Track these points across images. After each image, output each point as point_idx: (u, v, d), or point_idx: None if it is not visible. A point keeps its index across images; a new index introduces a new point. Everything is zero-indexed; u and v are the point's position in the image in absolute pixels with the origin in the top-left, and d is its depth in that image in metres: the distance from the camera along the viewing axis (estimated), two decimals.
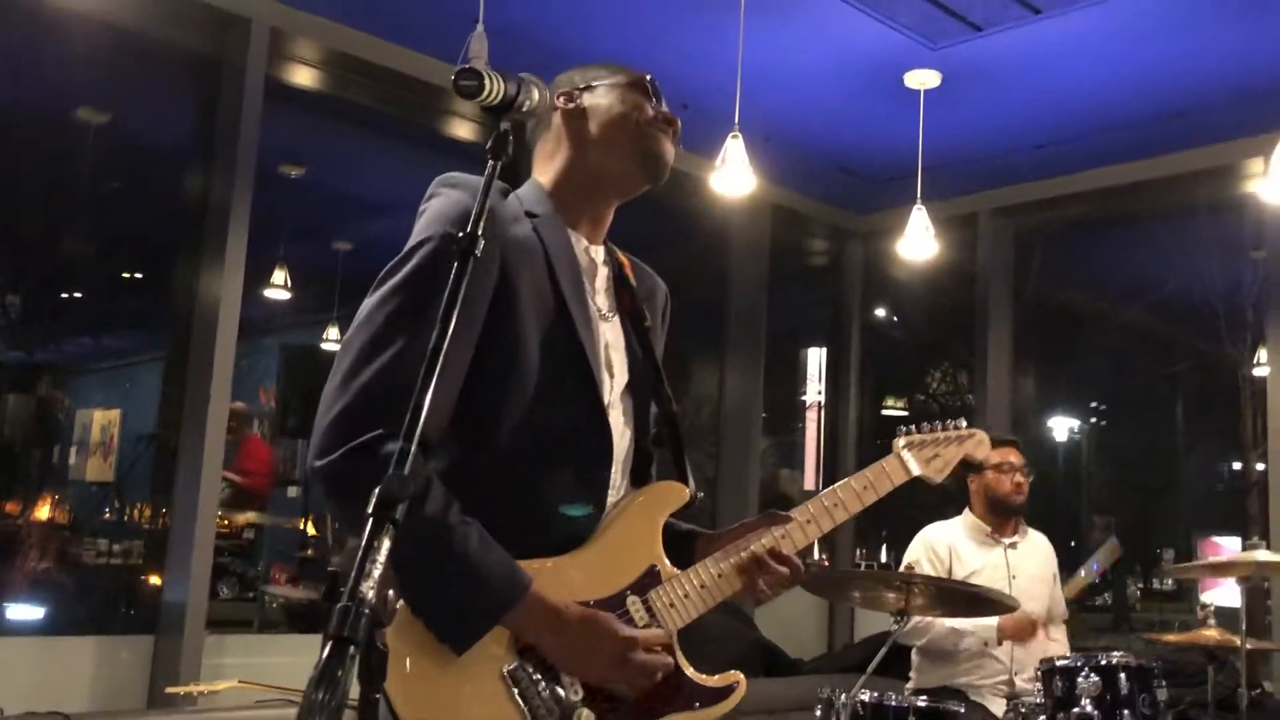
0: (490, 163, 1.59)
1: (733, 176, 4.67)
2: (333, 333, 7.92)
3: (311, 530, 7.75)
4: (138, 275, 7.45)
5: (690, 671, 1.85)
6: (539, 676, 1.72)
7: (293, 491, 7.83)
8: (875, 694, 3.50)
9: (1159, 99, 5.38)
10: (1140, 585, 9.51)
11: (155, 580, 4.68)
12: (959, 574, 4.33)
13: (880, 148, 6.03)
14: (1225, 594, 4.20)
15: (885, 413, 8.22)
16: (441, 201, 1.83)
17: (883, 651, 3.53)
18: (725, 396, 6.86)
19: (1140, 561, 9.16)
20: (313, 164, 6.61)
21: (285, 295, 7.63)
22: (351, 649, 1.17)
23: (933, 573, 4.30)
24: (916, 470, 2.15)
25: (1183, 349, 8.34)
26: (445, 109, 5.50)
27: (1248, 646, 3.80)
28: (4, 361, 6.76)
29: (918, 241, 5.43)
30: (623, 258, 2.06)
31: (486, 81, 1.59)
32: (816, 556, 7.41)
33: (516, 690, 1.71)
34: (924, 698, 3.67)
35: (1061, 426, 8.93)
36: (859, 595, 4.04)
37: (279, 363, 6.25)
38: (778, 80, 5.25)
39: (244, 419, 7.12)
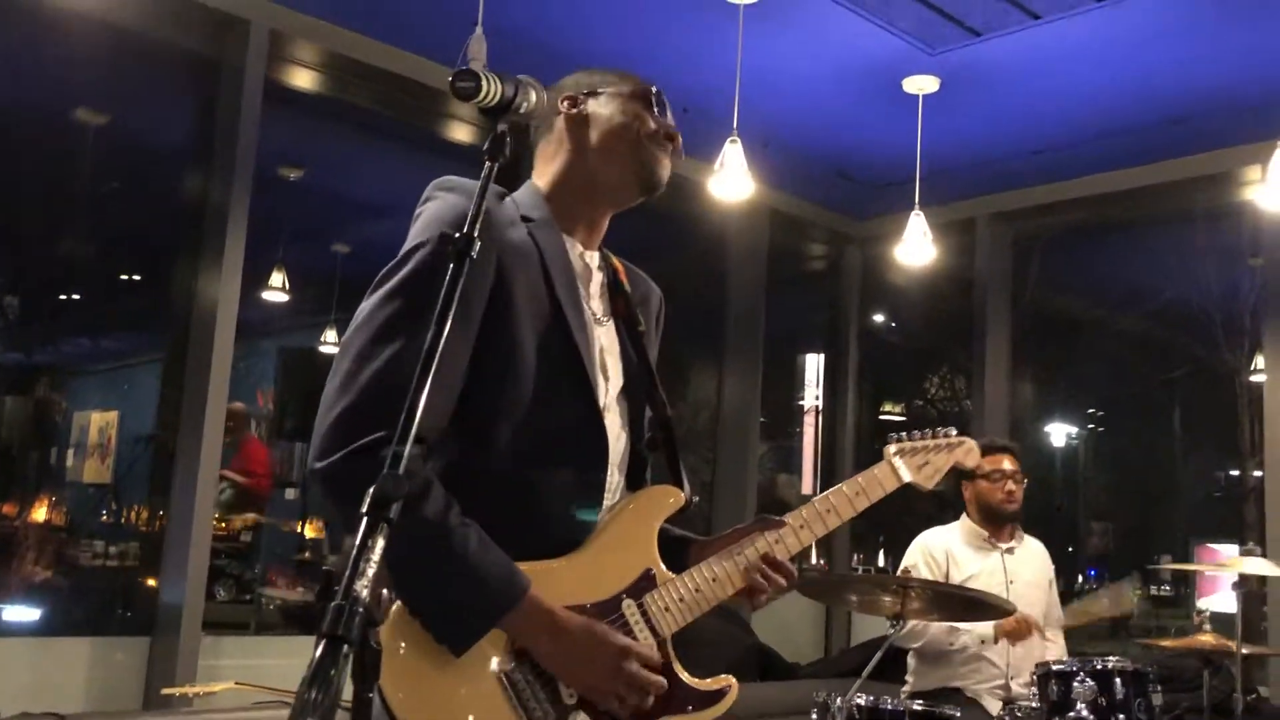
0: (487, 164, 1.59)
1: (731, 181, 4.68)
2: (331, 335, 7.91)
3: (310, 533, 7.74)
4: (136, 277, 7.43)
5: (683, 675, 1.86)
6: (535, 680, 1.73)
7: (290, 494, 7.83)
8: (871, 698, 3.51)
9: (1157, 105, 5.39)
10: (1138, 592, 9.51)
11: (152, 582, 4.67)
12: (956, 579, 4.33)
13: (879, 153, 6.04)
14: (1222, 600, 4.20)
15: (883, 418, 8.22)
16: (438, 205, 1.83)
17: (879, 655, 3.53)
18: (723, 401, 6.86)
19: (1138, 568, 9.15)
20: (311, 166, 6.61)
21: (283, 297, 7.63)
22: (345, 648, 1.17)
23: (929, 577, 4.30)
24: (907, 477, 2.17)
25: (1180, 355, 8.34)
26: (444, 112, 5.50)
27: (1243, 651, 3.81)
28: (2, 363, 6.75)
29: (916, 247, 5.44)
30: (617, 263, 2.07)
31: (484, 83, 1.60)
32: (815, 561, 7.41)
33: (512, 693, 1.72)
34: (920, 701, 3.68)
35: (1059, 432, 8.93)
36: (855, 599, 4.05)
37: (277, 365, 6.26)
38: (776, 85, 5.26)
39: (244, 419, 7.12)
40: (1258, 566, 3.89)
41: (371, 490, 1.26)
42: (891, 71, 5.19)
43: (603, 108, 1.98)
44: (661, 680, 1.80)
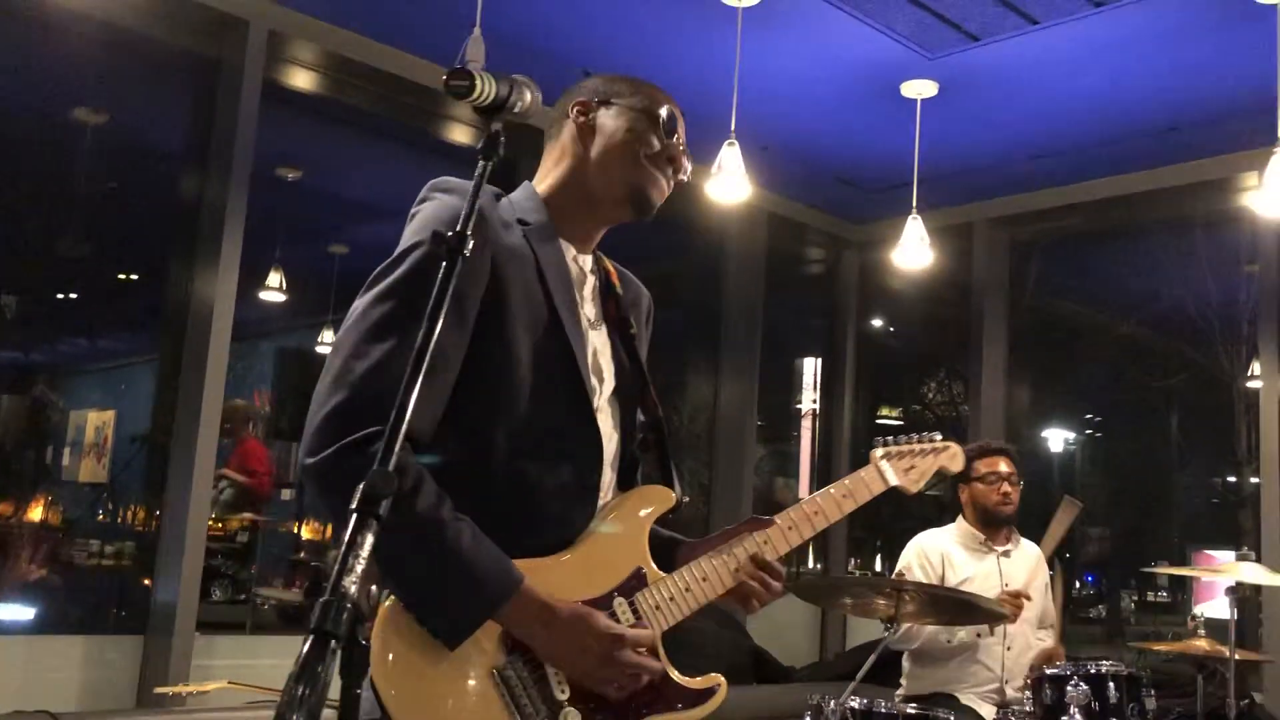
0: (481, 163, 1.60)
1: (728, 183, 4.68)
2: (328, 336, 7.91)
3: (306, 533, 7.75)
4: (133, 276, 7.44)
5: (673, 674, 1.86)
6: (527, 676, 1.74)
7: (286, 494, 7.83)
8: (864, 700, 3.51)
9: (1154, 111, 5.40)
10: (1135, 598, 9.52)
11: (147, 582, 4.67)
12: (951, 581, 4.33)
13: (877, 157, 6.04)
14: (1218, 606, 4.19)
15: (880, 421, 8.23)
16: (434, 206, 1.84)
17: (873, 657, 3.53)
18: (720, 404, 6.86)
19: (1134, 574, 9.17)
20: (309, 167, 6.61)
21: (280, 298, 7.62)
22: (333, 643, 1.17)
23: (924, 580, 4.29)
24: (894, 480, 2.19)
25: (1177, 361, 8.35)
26: (442, 113, 5.51)
27: (1236, 657, 3.81)
28: None
29: (913, 251, 5.44)
30: (609, 265, 2.08)
31: (477, 82, 1.60)
32: (811, 566, 7.42)
33: (504, 688, 1.72)
34: (913, 704, 3.68)
35: (1056, 438, 8.94)
36: (850, 602, 4.04)
37: (274, 365, 6.26)
38: (775, 88, 5.27)
39: (243, 418, 7.12)
40: (1252, 572, 3.90)
41: (360, 487, 1.26)
42: (890, 76, 5.20)
43: (611, 120, 1.98)
44: (657, 664, 1.81)
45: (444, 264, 1.47)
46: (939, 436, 2.27)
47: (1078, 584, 9.24)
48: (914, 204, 5.48)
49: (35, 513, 6.40)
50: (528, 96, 1.67)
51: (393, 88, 5.19)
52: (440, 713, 1.69)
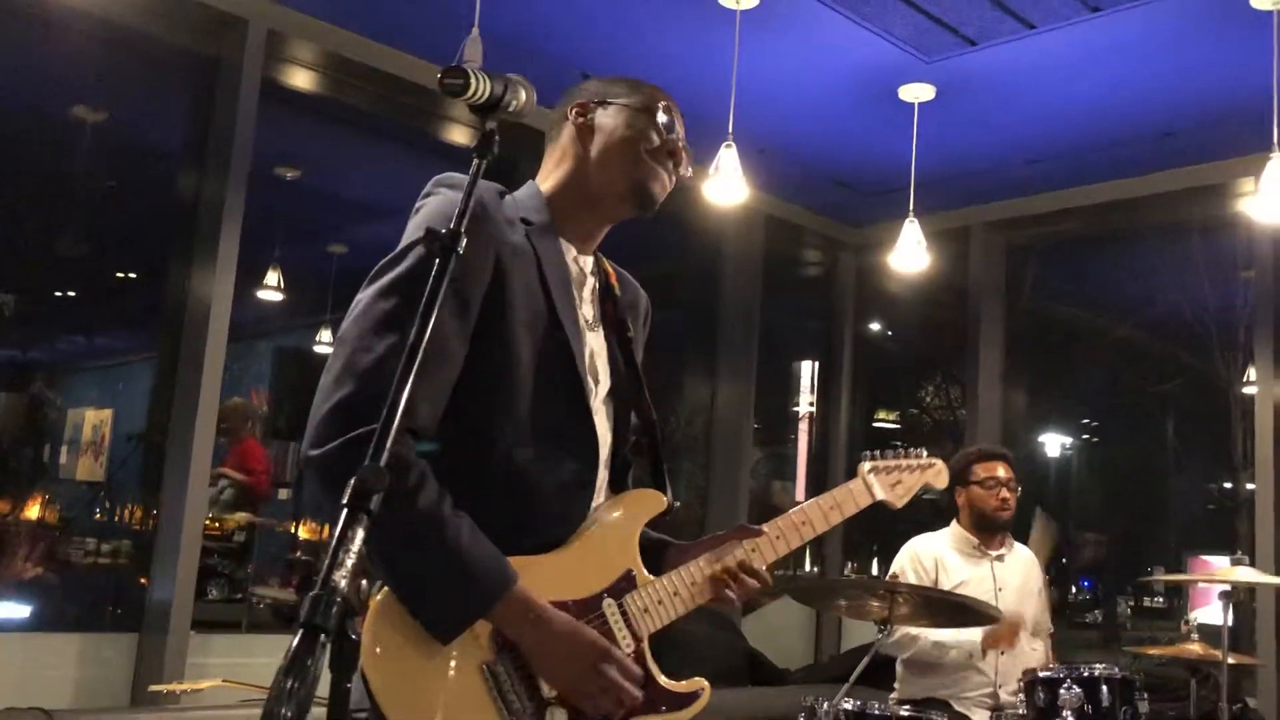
0: (475, 161, 1.61)
1: (726, 185, 4.69)
2: (326, 335, 7.92)
3: (303, 533, 7.74)
4: (131, 275, 7.44)
5: (659, 677, 1.89)
6: (515, 673, 1.75)
7: (283, 494, 7.83)
8: (858, 703, 3.51)
9: (1151, 116, 5.41)
10: (1130, 603, 9.52)
11: (143, 580, 4.67)
12: (945, 585, 4.33)
13: (874, 160, 6.05)
14: (1214, 612, 4.19)
15: (877, 425, 8.24)
16: (438, 200, 1.85)
17: (866, 660, 3.54)
18: (717, 406, 6.86)
19: (1130, 580, 9.16)
20: (308, 166, 6.62)
21: (278, 297, 7.62)
22: (322, 637, 1.17)
23: (917, 584, 4.30)
24: (879, 494, 2.24)
25: (1174, 367, 8.36)
26: (441, 113, 5.51)
27: (1229, 661, 3.81)
28: None
29: (910, 254, 5.44)
30: (608, 267, 2.09)
31: (472, 81, 1.60)
32: (808, 569, 7.42)
33: (493, 684, 1.74)
34: (907, 707, 3.68)
35: (1053, 442, 8.95)
36: (844, 603, 4.05)
37: (271, 365, 6.27)
38: (772, 91, 5.28)
39: (243, 417, 7.11)
40: (1246, 575, 3.90)
41: (352, 482, 1.27)
42: (887, 79, 5.21)
43: (609, 119, 2.00)
44: (636, 694, 1.82)
45: (437, 261, 1.48)
46: (924, 452, 2.32)
47: (1074, 589, 9.24)
48: (911, 207, 5.49)
49: (32, 511, 6.40)
50: (522, 95, 1.68)
51: (391, 88, 5.19)
52: (428, 704, 1.70)
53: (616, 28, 4.87)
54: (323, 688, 1.24)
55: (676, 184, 2.06)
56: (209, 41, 4.78)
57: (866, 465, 2.26)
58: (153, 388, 4.90)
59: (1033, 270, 7.30)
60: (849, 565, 7.76)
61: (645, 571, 1.92)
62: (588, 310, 2.00)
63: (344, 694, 1.28)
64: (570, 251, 1.99)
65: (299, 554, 7.48)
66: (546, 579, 1.79)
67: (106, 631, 4.65)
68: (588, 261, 2.04)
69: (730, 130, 4.66)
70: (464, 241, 1.50)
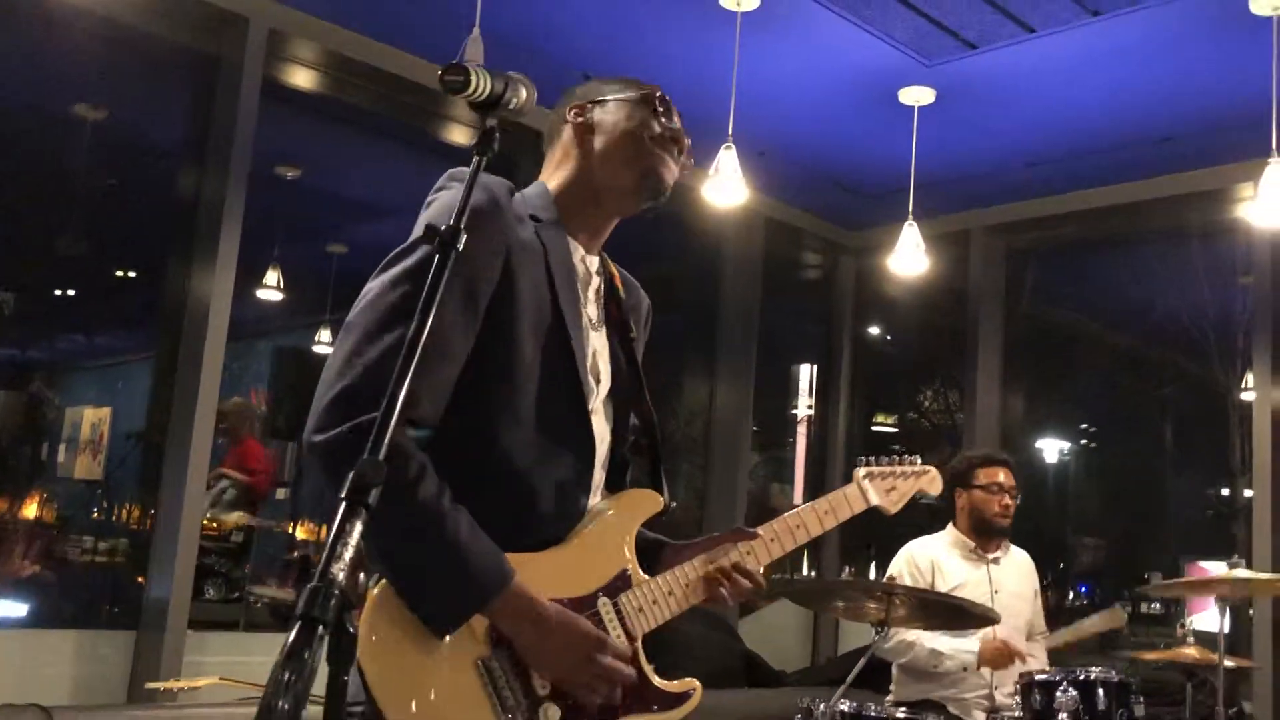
0: (476, 158, 1.61)
1: (726, 187, 4.70)
2: (325, 335, 7.91)
3: (300, 534, 7.74)
4: (131, 273, 7.44)
5: (652, 676, 1.90)
6: (510, 669, 1.76)
7: (281, 493, 7.82)
8: (854, 704, 3.52)
9: (1151, 121, 5.41)
10: (1128, 610, 9.49)
11: (140, 579, 4.67)
12: (941, 588, 4.33)
13: (874, 163, 6.06)
14: (1211, 619, 4.19)
15: (875, 429, 8.23)
16: (450, 195, 1.86)
17: (862, 661, 3.54)
18: (716, 408, 6.86)
19: (1128, 585, 9.15)
20: (308, 166, 6.62)
21: (278, 296, 7.62)
22: (320, 629, 1.17)
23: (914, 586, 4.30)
24: (874, 500, 2.28)
25: (1172, 372, 8.35)
26: (442, 113, 5.51)
27: (1226, 664, 3.81)
28: None
29: (909, 257, 5.44)
30: (613, 269, 2.11)
31: (472, 78, 1.61)
32: (805, 573, 7.42)
33: (488, 679, 1.74)
34: (903, 709, 3.68)
35: (1051, 447, 8.94)
36: (842, 605, 4.05)
37: (270, 364, 6.27)
38: (773, 93, 5.28)
39: (244, 417, 7.11)
40: (1248, 576, 3.89)
41: (350, 475, 1.27)
42: (888, 82, 5.22)
43: (608, 115, 2.02)
44: (631, 672, 1.84)
45: (437, 257, 1.49)
46: (919, 460, 2.36)
47: (1071, 594, 9.23)
48: (911, 210, 5.49)
49: (30, 509, 6.41)
50: (523, 93, 1.68)
51: (392, 87, 5.19)
52: (423, 697, 1.70)
53: (617, 28, 4.88)
54: (320, 687, 1.24)
55: (682, 171, 2.07)
56: (210, 40, 4.78)
57: (862, 471, 2.30)
58: (152, 387, 4.90)
59: (1032, 274, 7.30)
60: (846, 569, 7.75)
61: (640, 571, 1.93)
62: (592, 310, 2.01)
63: (341, 687, 1.29)
64: (578, 251, 2.01)
65: (296, 554, 7.48)
66: (543, 576, 1.80)
67: (104, 629, 4.65)
68: (593, 261, 2.05)
69: (730, 132, 4.67)
70: (464, 238, 1.50)
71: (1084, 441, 9.43)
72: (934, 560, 4.44)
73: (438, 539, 1.69)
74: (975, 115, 5.51)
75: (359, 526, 1.25)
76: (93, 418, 7.84)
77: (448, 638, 1.71)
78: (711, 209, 5.12)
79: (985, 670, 4.25)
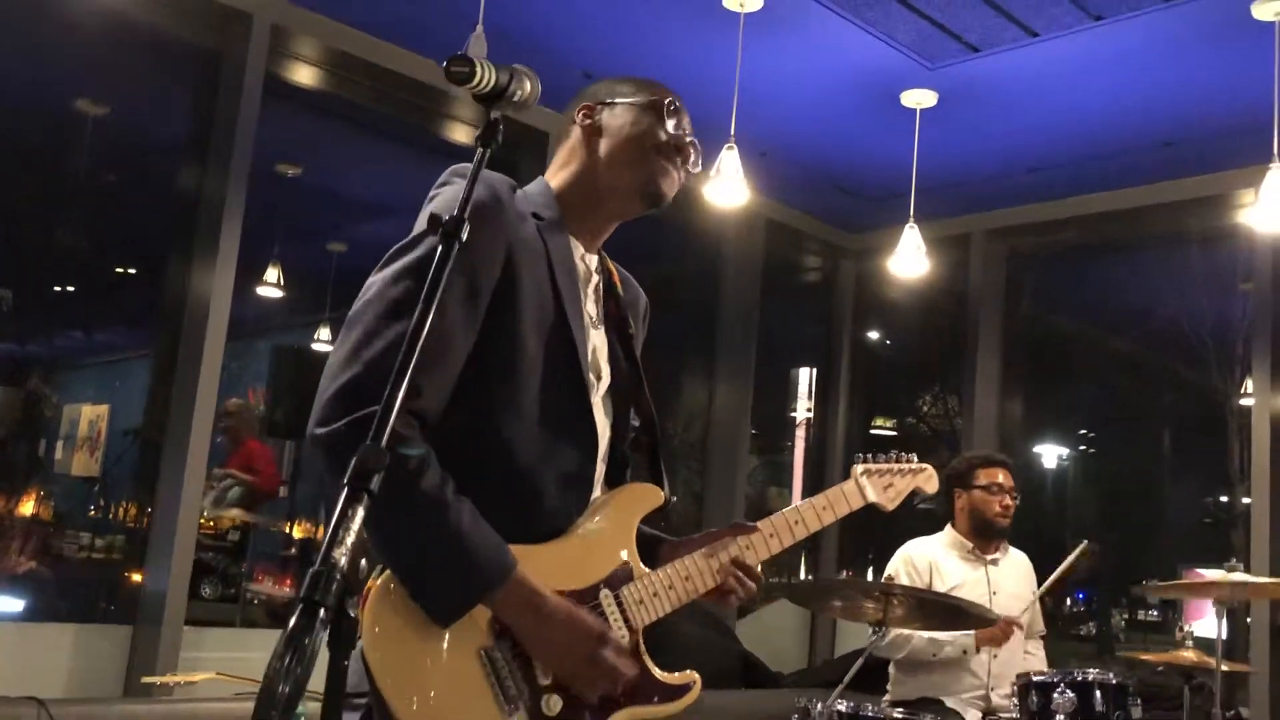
0: (479, 151, 1.62)
1: (727, 187, 4.70)
2: (324, 334, 7.89)
3: (298, 533, 7.73)
4: (131, 270, 7.43)
5: (652, 668, 1.91)
6: (513, 659, 1.77)
7: (281, 491, 7.80)
8: (851, 704, 3.51)
9: (1152, 126, 5.42)
10: (1125, 616, 9.50)
11: (136, 577, 4.67)
12: (939, 589, 4.33)
13: (875, 166, 6.06)
14: (1209, 626, 4.19)
15: (874, 432, 8.22)
16: (453, 190, 1.87)
17: (860, 661, 3.54)
18: (715, 410, 6.86)
19: (1125, 592, 9.14)
20: (309, 164, 6.62)
21: (278, 294, 7.61)
22: (322, 613, 1.18)
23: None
24: (872, 497, 2.27)
25: (1171, 379, 8.35)
26: (443, 111, 5.51)
27: (1223, 668, 3.81)
28: None
29: (909, 259, 5.44)
30: (612, 266, 2.12)
31: (478, 69, 1.61)
32: (803, 577, 7.41)
33: (490, 669, 1.75)
34: (900, 709, 3.68)
35: (1049, 452, 8.93)
36: (840, 604, 4.05)
37: (269, 363, 6.25)
38: (775, 94, 5.29)
39: (245, 418, 7.10)
40: (1241, 580, 3.89)
41: (353, 461, 1.27)
42: (890, 85, 5.22)
43: (615, 119, 2.02)
44: (632, 665, 1.85)
45: (440, 247, 1.49)
46: (915, 457, 2.36)
47: (1068, 601, 9.22)
48: (911, 213, 5.50)
49: (27, 506, 6.40)
50: (527, 86, 1.68)
51: (395, 85, 5.20)
52: (425, 686, 1.71)
53: (620, 28, 4.88)
54: (317, 685, 1.24)
55: (687, 179, 2.08)
56: (213, 36, 4.79)
57: (859, 468, 2.30)
58: (150, 384, 4.89)
59: (1032, 279, 7.30)
60: (844, 573, 7.76)
61: (641, 564, 1.94)
62: (591, 307, 2.02)
63: (342, 672, 1.29)
64: (578, 249, 2.02)
65: (293, 551, 7.47)
66: (544, 568, 1.81)
67: (100, 623, 4.65)
68: (593, 259, 2.06)
69: (732, 132, 4.67)
70: (467, 229, 1.51)
71: (1082, 447, 9.43)
72: (932, 561, 4.44)
73: (440, 529, 1.70)
74: (977, 119, 5.51)
75: (361, 512, 1.26)
76: (90, 415, 7.82)
77: (451, 628, 1.72)
78: (712, 210, 5.12)
79: (982, 670, 4.25)
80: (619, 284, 2.11)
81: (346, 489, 1.26)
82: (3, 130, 5.04)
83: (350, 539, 1.23)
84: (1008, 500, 4.46)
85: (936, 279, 5.99)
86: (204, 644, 4.61)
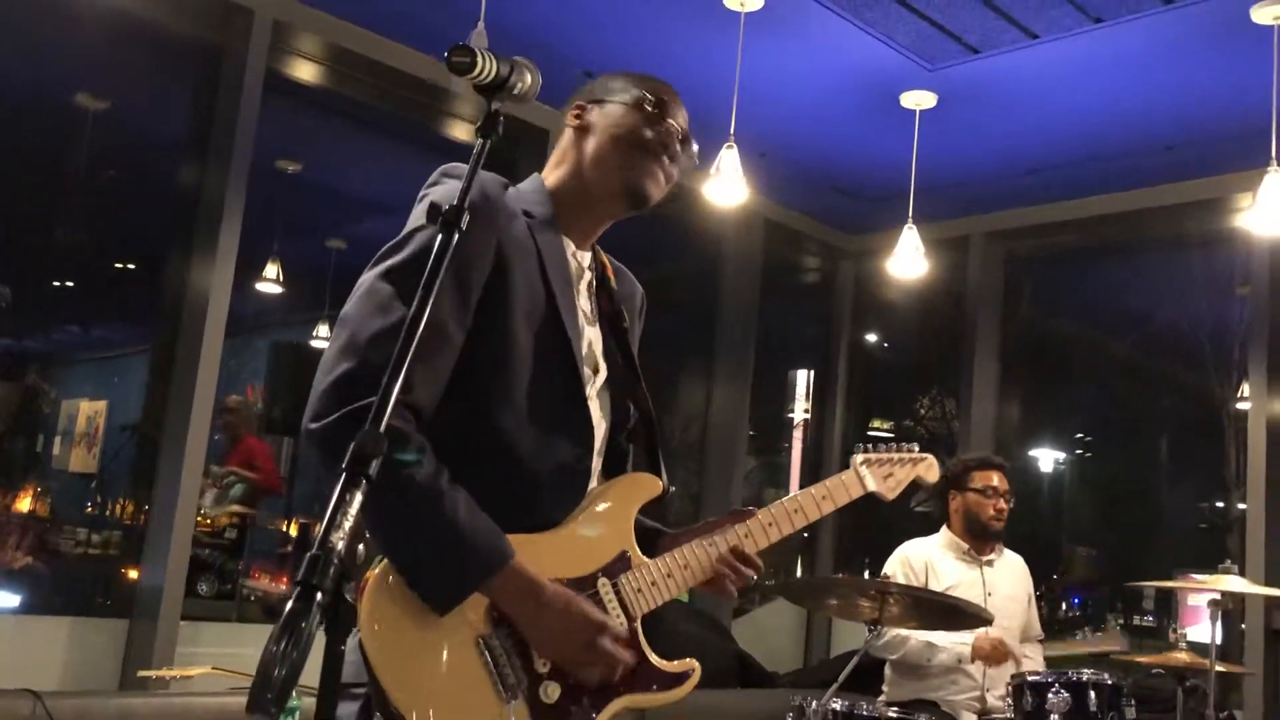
0: (479, 142, 1.62)
1: (726, 186, 4.70)
2: (324, 330, 7.90)
3: (294, 530, 7.72)
4: (130, 266, 7.44)
5: (651, 656, 1.91)
6: (511, 647, 1.77)
7: (282, 488, 7.80)
8: (846, 703, 3.52)
9: (1151, 129, 5.42)
10: (1120, 621, 9.49)
11: (133, 574, 4.66)
12: (935, 590, 4.34)
13: (874, 167, 6.06)
14: (1204, 631, 4.19)
15: (871, 433, 8.22)
16: (443, 190, 1.89)
17: (855, 660, 3.54)
18: (713, 411, 6.87)
19: (1120, 597, 9.14)
20: (310, 160, 6.62)
21: (277, 290, 7.61)
22: (319, 597, 1.18)
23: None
24: (871, 486, 2.27)
25: (1169, 383, 8.35)
26: (444, 109, 5.52)
27: (1218, 669, 3.81)
28: None
29: (908, 260, 5.44)
30: (605, 260, 2.12)
31: (479, 59, 1.62)
32: (800, 574, 7.42)
33: (488, 657, 1.76)
34: (895, 708, 3.68)
35: (1046, 456, 8.93)
36: (835, 603, 4.06)
37: (268, 360, 6.26)
38: (775, 94, 5.29)
39: (244, 417, 7.10)
40: (1234, 584, 3.90)
41: (351, 446, 1.28)
42: (889, 86, 5.22)
43: (602, 118, 2.02)
44: (630, 657, 1.85)
45: (440, 236, 1.50)
46: (917, 447, 2.36)
47: (1064, 605, 9.22)
48: (910, 214, 5.50)
49: (24, 501, 6.40)
50: (528, 78, 1.69)
51: (395, 81, 5.20)
52: (425, 676, 1.72)
53: (621, 27, 4.89)
54: (312, 679, 1.24)
55: (681, 171, 2.07)
56: (214, 31, 4.78)
57: (859, 457, 2.30)
58: (149, 380, 4.89)
59: (1031, 281, 7.31)
60: (840, 575, 7.76)
61: (640, 553, 1.94)
62: (585, 303, 2.03)
63: (338, 656, 1.29)
64: (569, 247, 2.02)
65: (290, 548, 7.47)
66: (542, 557, 1.82)
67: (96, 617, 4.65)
68: (585, 256, 2.07)
69: (732, 131, 4.68)
70: (467, 218, 1.51)
71: (1079, 451, 9.43)
72: (928, 561, 4.45)
73: (437, 517, 1.71)
74: (976, 120, 5.52)
75: (359, 497, 1.26)
76: (88, 410, 7.83)
77: (449, 616, 1.72)
78: (711, 210, 5.12)
79: (977, 672, 4.26)
80: (613, 277, 2.11)
81: (344, 474, 1.27)
82: (3, 125, 5.04)
83: (348, 524, 1.24)
84: (1001, 504, 4.47)
85: (935, 281, 5.99)
86: (200, 639, 4.60)
